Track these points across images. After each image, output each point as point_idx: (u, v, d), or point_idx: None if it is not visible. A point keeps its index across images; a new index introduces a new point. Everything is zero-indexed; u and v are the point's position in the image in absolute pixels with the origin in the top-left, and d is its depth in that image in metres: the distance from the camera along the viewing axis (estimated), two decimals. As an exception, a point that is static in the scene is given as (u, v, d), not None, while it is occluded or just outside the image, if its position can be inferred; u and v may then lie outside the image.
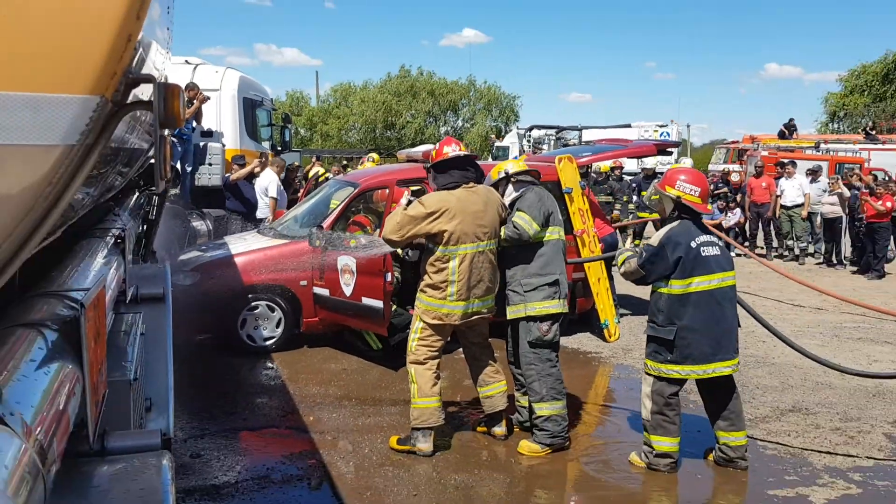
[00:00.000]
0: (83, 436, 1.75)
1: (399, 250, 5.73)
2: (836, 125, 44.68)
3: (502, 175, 5.30)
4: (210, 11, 78.92)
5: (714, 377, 4.61)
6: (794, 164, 15.22)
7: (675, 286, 4.55)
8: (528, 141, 23.29)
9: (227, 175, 10.23)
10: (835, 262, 13.89)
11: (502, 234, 5.01)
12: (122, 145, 2.36)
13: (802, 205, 14.27)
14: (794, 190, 14.46)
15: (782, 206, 14.51)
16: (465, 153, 5.05)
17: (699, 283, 4.53)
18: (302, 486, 4.48)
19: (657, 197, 4.87)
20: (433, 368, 4.95)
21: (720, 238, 5.03)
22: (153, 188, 6.10)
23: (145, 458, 1.76)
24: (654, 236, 4.74)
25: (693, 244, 4.55)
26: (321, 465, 4.73)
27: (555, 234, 5.10)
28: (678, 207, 4.72)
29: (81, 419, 1.72)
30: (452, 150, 5.00)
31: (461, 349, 5.43)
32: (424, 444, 4.88)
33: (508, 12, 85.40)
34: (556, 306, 4.96)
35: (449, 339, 5.10)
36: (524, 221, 4.94)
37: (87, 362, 1.71)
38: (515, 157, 7.70)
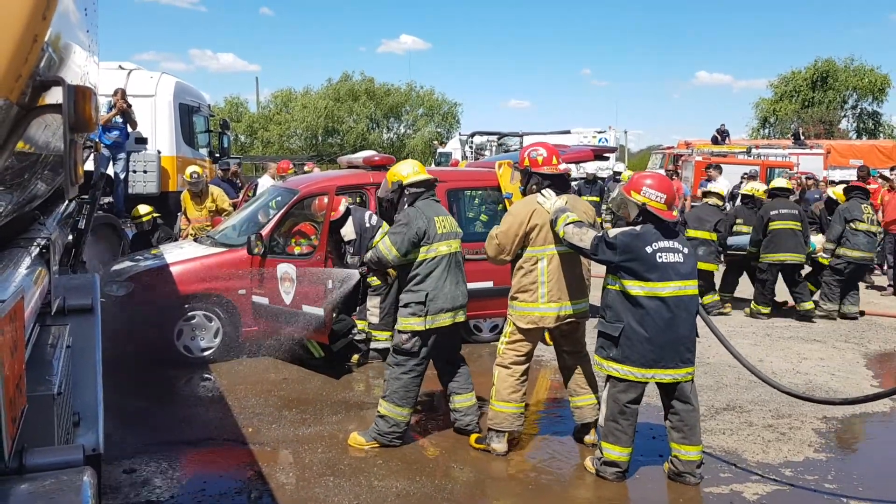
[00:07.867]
0: (-1, 453, 1.67)
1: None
2: (766, 130, 46.13)
3: (396, 186, 5.22)
4: (142, 16, 77.13)
5: (668, 384, 4.53)
6: (718, 168, 15.20)
7: (627, 286, 4.45)
8: (471, 147, 23.42)
9: None
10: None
11: (366, 257, 5.23)
12: (42, 151, 2.28)
13: None
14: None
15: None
16: (563, 171, 5.10)
17: (651, 288, 4.41)
18: (240, 499, 4.38)
19: (620, 202, 4.77)
20: (516, 374, 4.96)
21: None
22: (84, 196, 5.92)
23: (65, 475, 1.69)
24: (614, 230, 4.62)
25: (649, 249, 4.43)
26: (260, 477, 4.64)
27: (433, 251, 5.01)
28: (643, 213, 4.59)
29: (-3, 436, 1.65)
30: (558, 167, 5.04)
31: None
32: (498, 445, 4.98)
33: (446, 19, 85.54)
34: (419, 323, 4.95)
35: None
36: (384, 247, 4.99)
37: (2, 377, 1.63)
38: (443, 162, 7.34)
